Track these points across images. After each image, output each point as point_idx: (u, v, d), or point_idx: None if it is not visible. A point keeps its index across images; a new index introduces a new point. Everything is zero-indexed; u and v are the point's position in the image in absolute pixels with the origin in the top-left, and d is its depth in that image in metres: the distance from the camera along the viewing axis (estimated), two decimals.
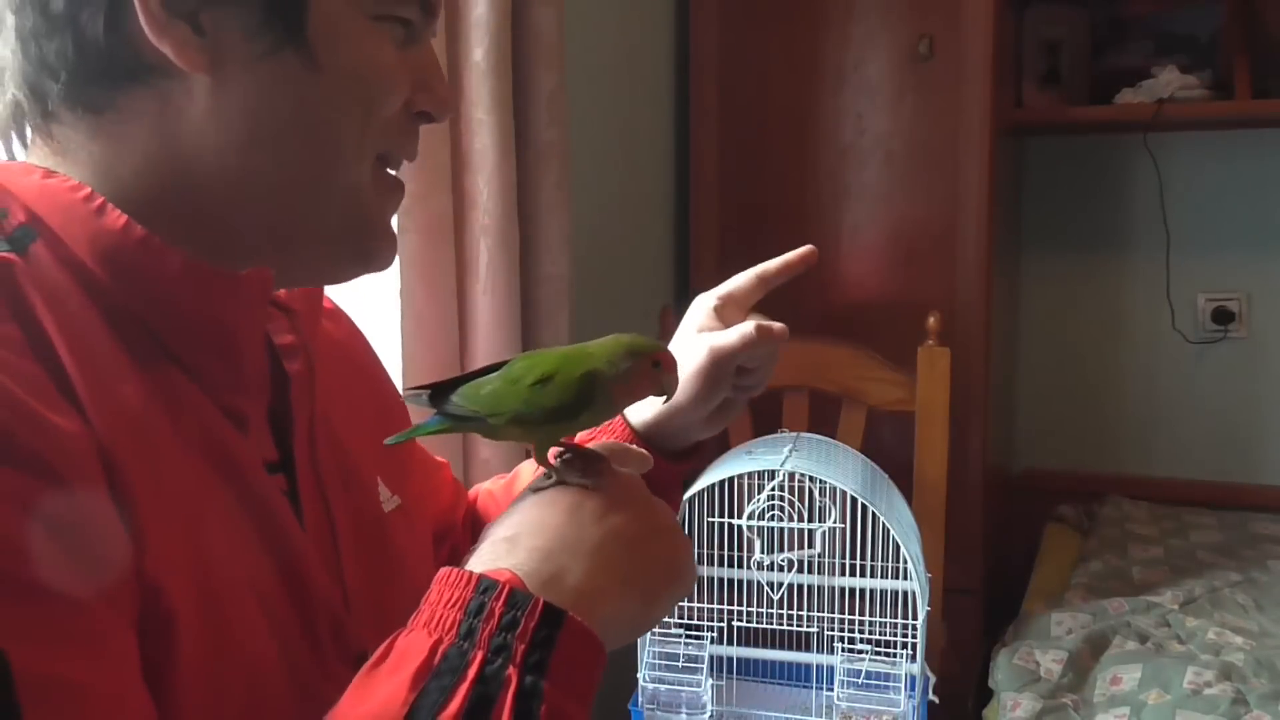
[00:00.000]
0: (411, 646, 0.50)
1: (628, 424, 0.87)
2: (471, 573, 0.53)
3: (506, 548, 0.57)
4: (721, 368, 0.82)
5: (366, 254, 0.64)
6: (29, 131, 0.59)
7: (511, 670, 0.49)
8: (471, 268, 1.40)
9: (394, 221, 0.67)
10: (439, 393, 0.65)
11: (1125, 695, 1.55)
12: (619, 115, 1.99)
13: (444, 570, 0.53)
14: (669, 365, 0.68)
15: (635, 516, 0.61)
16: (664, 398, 0.69)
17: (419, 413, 0.68)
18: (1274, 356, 2.50)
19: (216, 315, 0.58)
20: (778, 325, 0.84)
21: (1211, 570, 2.00)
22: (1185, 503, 2.41)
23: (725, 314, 0.88)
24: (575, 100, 1.59)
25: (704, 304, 0.89)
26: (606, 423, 0.86)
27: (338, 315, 0.81)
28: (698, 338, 0.85)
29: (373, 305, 1.30)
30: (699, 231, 2.18)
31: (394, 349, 1.32)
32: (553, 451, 0.65)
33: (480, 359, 1.42)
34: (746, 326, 0.83)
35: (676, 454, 0.88)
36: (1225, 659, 1.60)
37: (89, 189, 0.56)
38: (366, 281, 0.72)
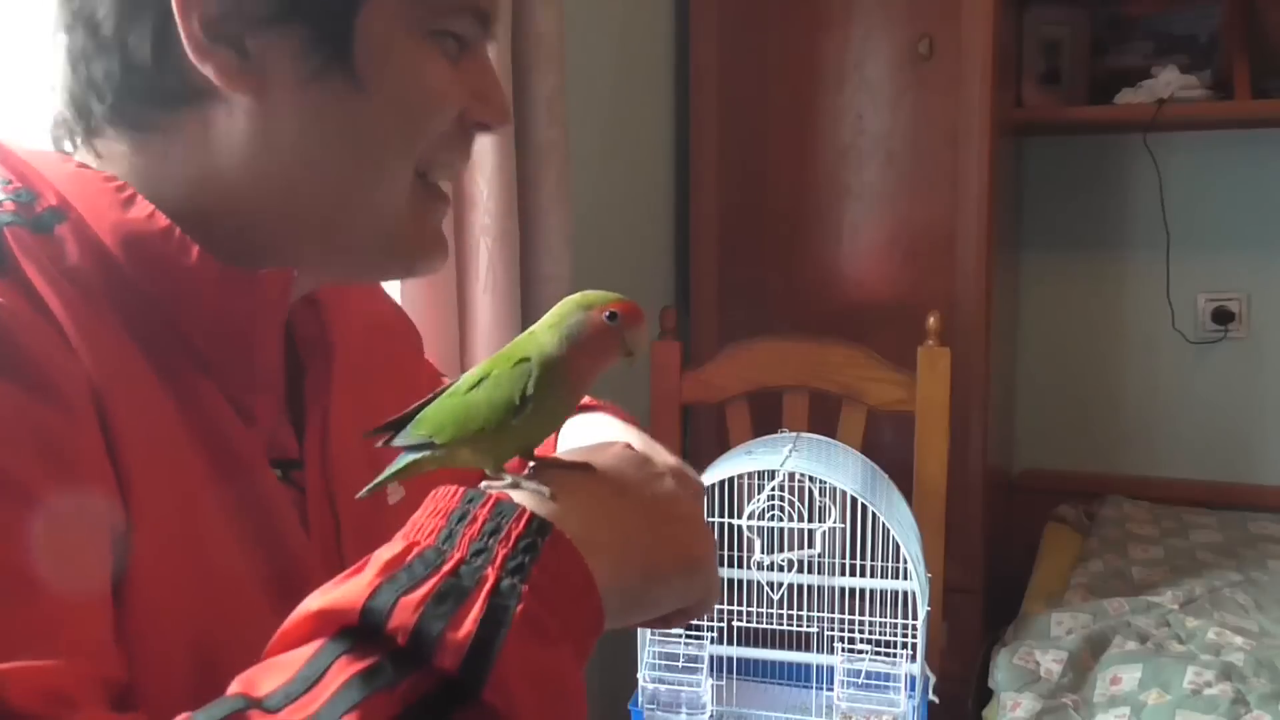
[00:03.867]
0: (382, 552, 0.47)
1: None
2: (461, 487, 0.49)
3: (509, 481, 0.55)
4: None
5: (405, 265, 0.64)
6: (69, 146, 0.60)
7: (489, 570, 0.45)
8: (471, 268, 1.40)
9: (444, 226, 0.67)
10: (401, 426, 0.60)
11: (1125, 695, 1.55)
12: (619, 115, 1.99)
13: (436, 489, 0.50)
14: (631, 316, 0.57)
15: (656, 496, 0.57)
16: (631, 358, 0.58)
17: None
18: (1274, 356, 2.50)
19: (232, 311, 0.58)
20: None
21: (1211, 570, 2.00)
22: (1185, 503, 2.41)
23: None
24: (575, 100, 1.59)
25: None
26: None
27: (376, 294, 0.80)
28: None
29: None
30: (699, 231, 2.18)
31: None
32: (514, 464, 0.58)
33: (480, 359, 1.42)
34: None
35: None
36: (1225, 659, 1.60)
37: (123, 181, 0.57)
38: None
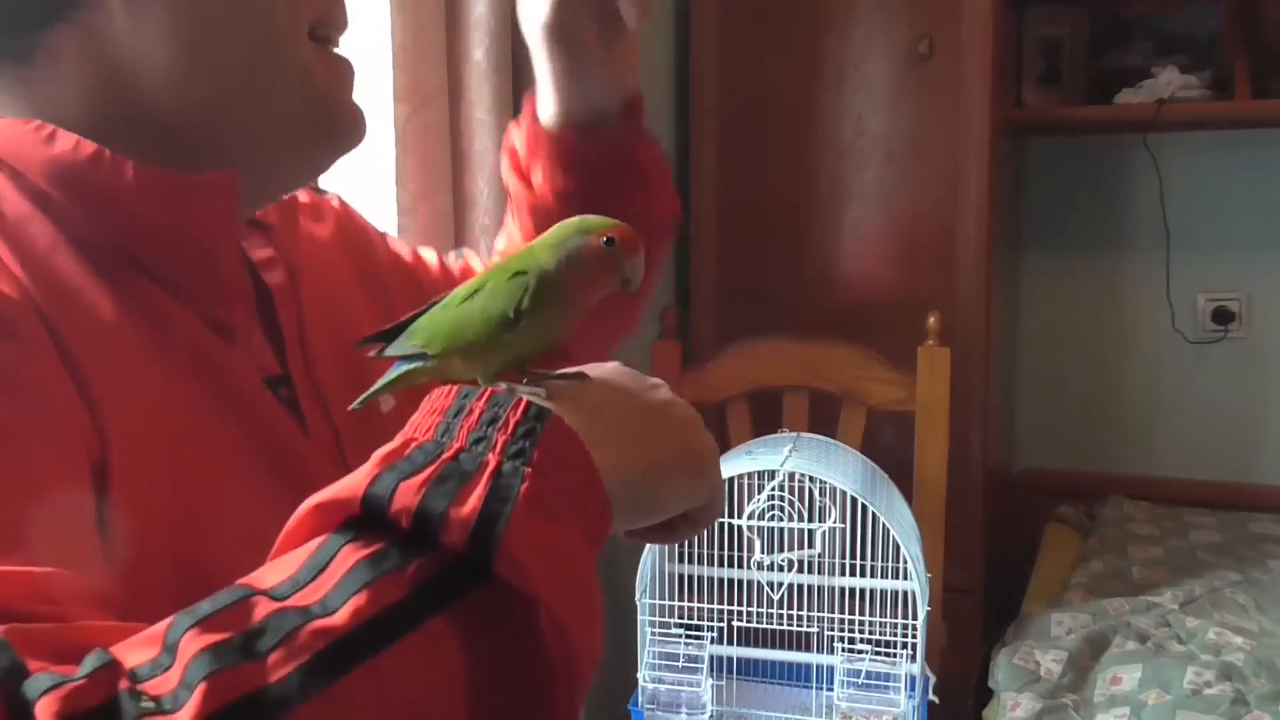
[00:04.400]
0: (380, 450, 0.46)
1: (537, 123, 0.81)
2: (457, 385, 0.48)
3: (505, 388, 0.54)
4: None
5: (334, 133, 0.63)
6: None
7: (490, 456, 0.44)
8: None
9: (357, 100, 0.65)
10: (393, 336, 0.59)
11: (1125, 695, 1.55)
12: None
13: (432, 391, 0.50)
14: (629, 245, 0.56)
15: (653, 400, 0.56)
16: (627, 287, 0.57)
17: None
18: (1274, 356, 2.50)
19: (183, 223, 0.57)
20: None
21: (1211, 570, 2.00)
22: (1185, 503, 2.41)
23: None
24: None
25: None
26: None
27: (320, 209, 0.78)
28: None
29: None
30: (699, 231, 2.18)
31: None
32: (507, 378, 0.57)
33: None
34: None
35: (612, 117, 0.81)
36: (1225, 659, 1.60)
37: (38, 121, 0.55)
38: None
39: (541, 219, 0.82)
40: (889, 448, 1.77)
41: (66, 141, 0.55)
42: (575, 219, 0.57)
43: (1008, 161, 2.29)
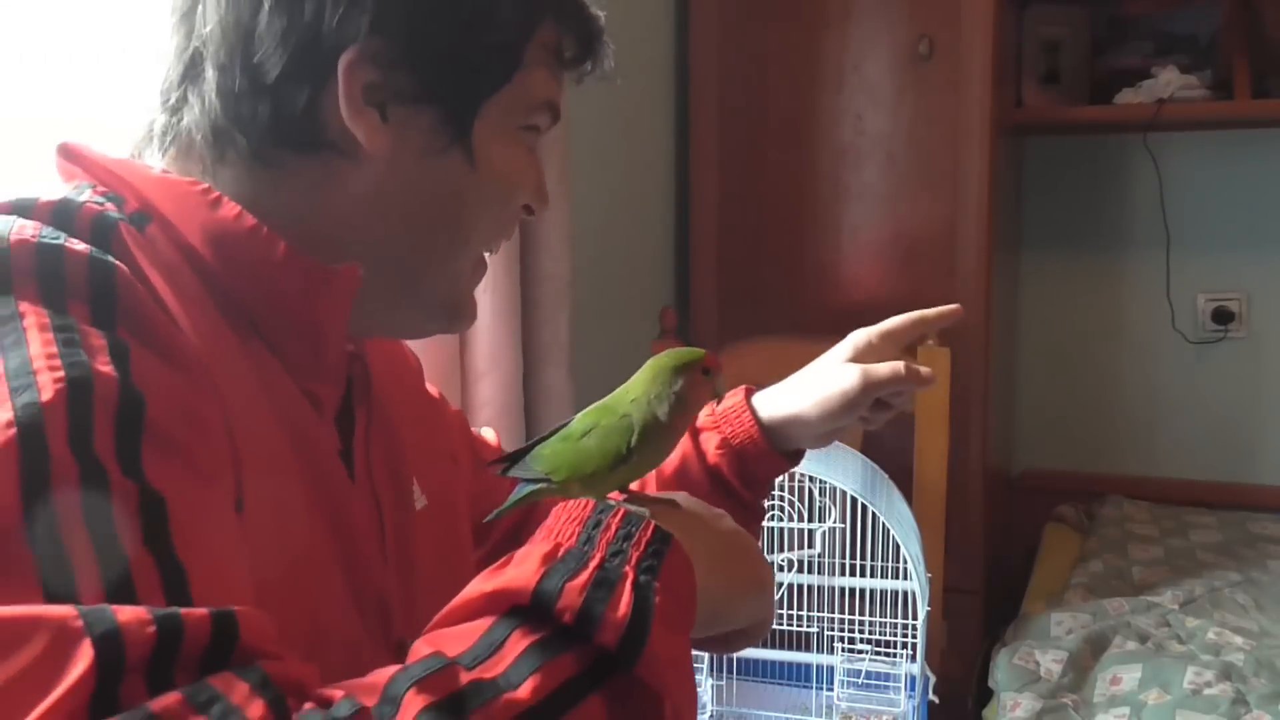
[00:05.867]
0: (533, 549, 0.52)
1: (753, 414, 0.90)
2: (591, 500, 0.56)
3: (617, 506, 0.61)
4: (867, 394, 0.87)
5: (451, 325, 0.73)
6: (157, 148, 0.65)
7: (628, 568, 0.51)
8: None
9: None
10: (516, 460, 0.70)
11: (1125, 695, 1.55)
12: (619, 115, 1.99)
13: (563, 502, 0.57)
14: (717, 366, 0.67)
15: (726, 528, 0.66)
16: (717, 401, 0.70)
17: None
18: (1274, 356, 2.50)
19: (309, 303, 0.64)
20: (925, 370, 0.89)
21: (1211, 570, 2.00)
22: (1185, 503, 2.41)
23: (879, 350, 0.92)
24: (575, 101, 1.59)
25: (861, 337, 0.92)
26: (725, 414, 0.90)
27: None
28: (849, 366, 0.89)
29: None
30: (699, 231, 2.18)
31: None
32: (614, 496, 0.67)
33: (480, 358, 1.43)
34: (898, 364, 0.88)
35: (784, 454, 0.92)
36: (1225, 659, 1.60)
37: (207, 185, 0.62)
38: None
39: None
40: (889, 448, 1.76)
41: (230, 210, 0.61)
42: (665, 360, 0.66)
43: (1008, 161, 2.29)
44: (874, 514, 1.35)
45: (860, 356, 0.90)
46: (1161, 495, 2.44)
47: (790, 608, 1.43)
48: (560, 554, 0.51)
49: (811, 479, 1.36)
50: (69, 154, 0.63)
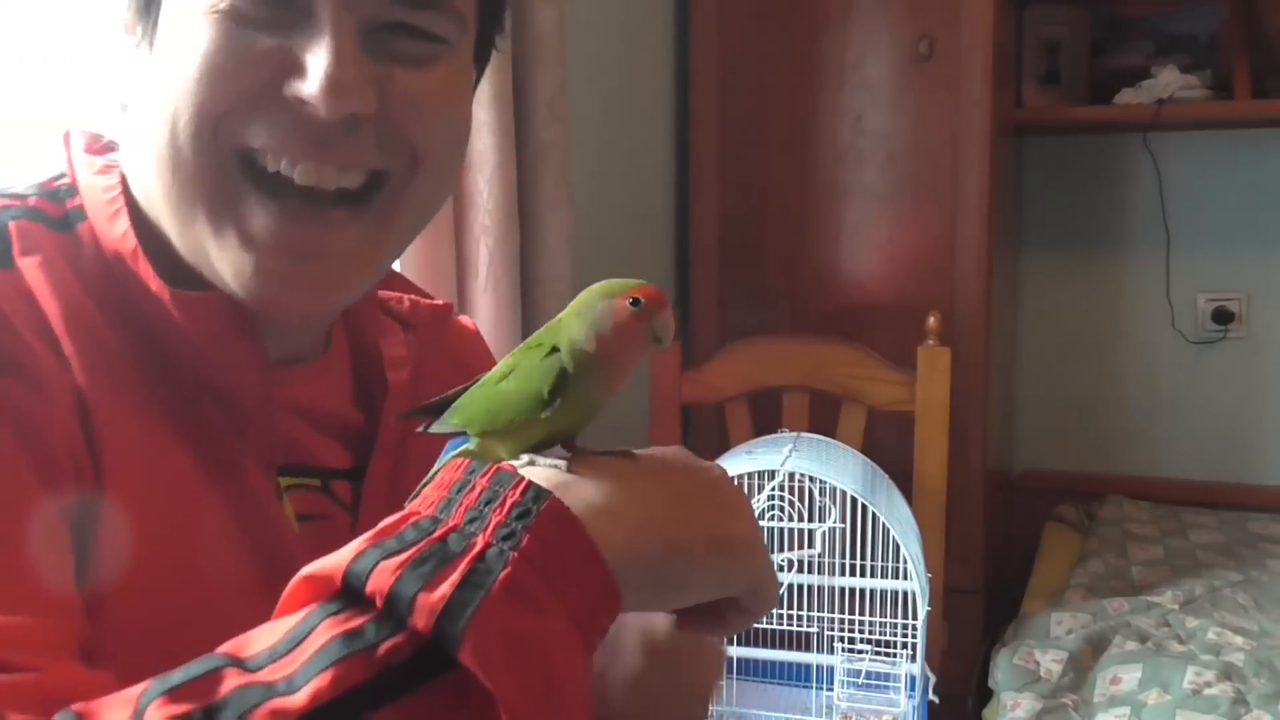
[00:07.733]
0: (386, 520, 0.46)
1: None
2: (469, 459, 0.49)
3: (525, 460, 0.53)
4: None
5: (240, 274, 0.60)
6: None
7: (480, 537, 0.43)
8: (471, 268, 1.40)
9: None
10: (439, 411, 0.58)
11: (1125, 695, 1.55)
12: (619, 115, 1.99)
13: (448, 462, 0.50)
14: (655, 302, 0.53)
15: (694, 481, 0.54)
16: (660, 345, 0.55)
17: None
18: (1274, 356, 2.50)
19: (194, 330, 0.60)
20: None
21: (1211, 570, 2.00)
22: (1185, 503, 2.41)
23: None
24: (575, 100, 1.59)
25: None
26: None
27: (470, 337, 0.85)
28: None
29: None
30: (699, 231, 2.18)
31: None
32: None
33: None
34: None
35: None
36: (1225, 659, 1.60)
37: (116, 193, 0.61)
38: None
39: None
40: (889, 448, 1.76)
41: (121, 224, 0.59)
42: (599, 284, 0.55)
43: (1008, 161, 2.29)
44: (874, 514, 1.35)
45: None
46: (1161, 495, 2.44)
47: (790, 608, 1.43)
48: (403, 526, 0.44)
49: (811, 479, 1.36)
50: (63, 142, 0.64)
